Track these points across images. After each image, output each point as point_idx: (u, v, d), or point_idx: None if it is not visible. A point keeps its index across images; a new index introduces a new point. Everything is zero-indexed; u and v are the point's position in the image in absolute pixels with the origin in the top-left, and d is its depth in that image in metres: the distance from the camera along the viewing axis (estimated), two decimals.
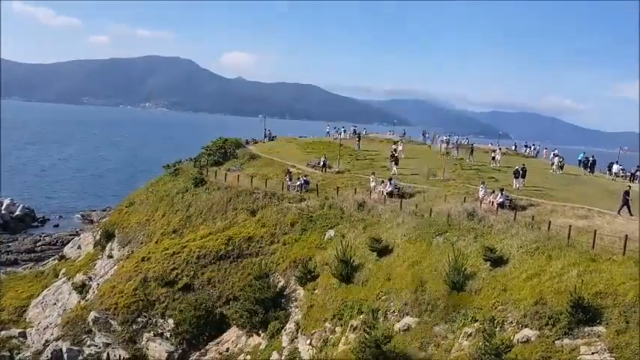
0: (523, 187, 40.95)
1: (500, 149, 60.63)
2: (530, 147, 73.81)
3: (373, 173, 42.53)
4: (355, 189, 40.39)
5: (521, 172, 41.77)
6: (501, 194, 35.95)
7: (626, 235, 25.02)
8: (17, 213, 77.53)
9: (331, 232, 34.30)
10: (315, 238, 34.77)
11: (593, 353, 19.56)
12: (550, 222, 29.68)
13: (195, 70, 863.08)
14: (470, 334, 22.94)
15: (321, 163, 49.49)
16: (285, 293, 32.04)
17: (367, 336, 21.82)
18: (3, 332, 39.60)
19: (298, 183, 42.67)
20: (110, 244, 48.07)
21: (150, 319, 34.91)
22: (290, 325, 29.08)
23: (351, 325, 25.21)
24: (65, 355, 35.64)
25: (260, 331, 30.68)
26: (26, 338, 39.38)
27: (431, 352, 21.68)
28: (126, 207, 52.16)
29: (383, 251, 28.85)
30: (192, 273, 36.02)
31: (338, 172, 48.25)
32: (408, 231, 30.05)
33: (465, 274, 25.90)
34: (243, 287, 33.45)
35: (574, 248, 25.58)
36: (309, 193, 41.06)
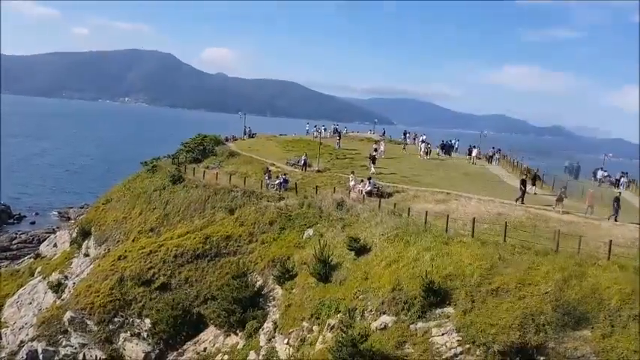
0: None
1: (383, 140, 63.46)
2: (408, 134, 76.78)
3: (352, 172, 42.56)
4: (334, 188, 40.41)
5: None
6: (369, 183, 37.18)
7: (474, 218, 27.19)
8: None
9: (310, 232, 34.30)
10: (293, 237, 34.75)
11: (443, 334, 21.08)
12: (410, 208, 31.77)
13: (176, 64, 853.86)
14: (333, 326, 23.65)
15: (302, 161, 49.38)
16: (263, 292, 32.01)
17: (344, 335, 21.90)
18: None
19: (277, 181, 42.57)
20: (86, 242, 47.55)
21: (126, 318, 34.62)
22: (268, 325, 29.05)
23: (329, 324, 25.24)
24: (41, 356, 35.21)
25: (238, 331, 30.62)
26: (1, 339, 38.90)
27: (407, 350, 21.81)
28: (103, 204, 51.61)
29: (361, 250, 28.88)
30: (169, 272, 35.80)
31: (318, 171, 48.19)
32: (386, 230, 30.15)
33: (331, 264, 26.84)
34: (220, 286, 33.34)
35: (430, 233, 27.29)
36: (288, 192, 41.00)
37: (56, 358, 34.95)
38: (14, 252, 62.59)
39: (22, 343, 36.92)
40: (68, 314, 36.09)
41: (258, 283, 32.67)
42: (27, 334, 37.96)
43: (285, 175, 44.03)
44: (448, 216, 28.39)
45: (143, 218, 44.73)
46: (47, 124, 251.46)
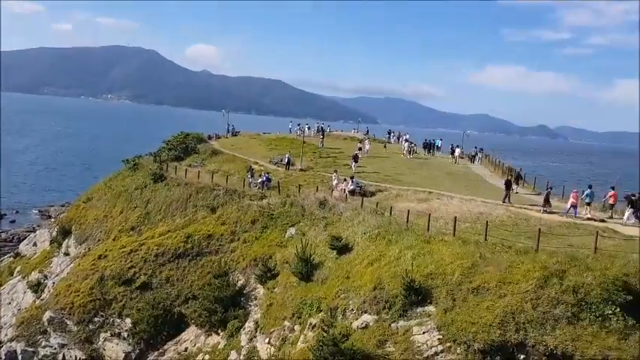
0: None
1: (368, 139, 63.52)
2: (392, 133, 78.45)
3: (335, 171, 42.49)
4: (317, 187, 40.32)
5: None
6: (352, 182, 37.51)
7: (455, 217, 27.20)
8: None
9: (292, 230, 34.16)
10: (275, 236, 34.60)
11: (424, 332, 21.09)
12: (391, 207, 31.98)
13: (160, 61, 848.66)
14: (314, 325, 23.68)
15: (285, 160, 49.23)
16: (244, 292, 31.83)
17: (325, 334, 21.79)
18: None
19: (260, 180, 42.37)
20: (67, 241, 47.00)
21: (107, 318, 34.31)
22: (249, 324, 28.87)
23: (310, 324, 25.12)
24: (20, 357, 34.86)
25: (219, 330, 30.42)
26: None
27: (389, 349, 21.77)
28: (83, 202, 51.05)
29: (343, 249, 28.79)
30: (150, 271, 35.51)
31: (301, 170, 48.08)
32: (368, 229, 30.09)
33: (313, 263, 27.10)
34: (202, 286, 33.12)
35: (412, 232, 27.37)
36: (270, 191, 40.82)
37: (35, 358, 34.55)
38: None
39: (0, 344, 36.40)
40: (47, 314, 35.67)
41: (240, 283, 32.46)
42: (6, 335, 37.46)
43: (267, 173, 43.86)
44: (430, 215, 28.39)
45: (124, 217, 44.26)
46: (28, 121, 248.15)
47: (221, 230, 36.84)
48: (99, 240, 43.71)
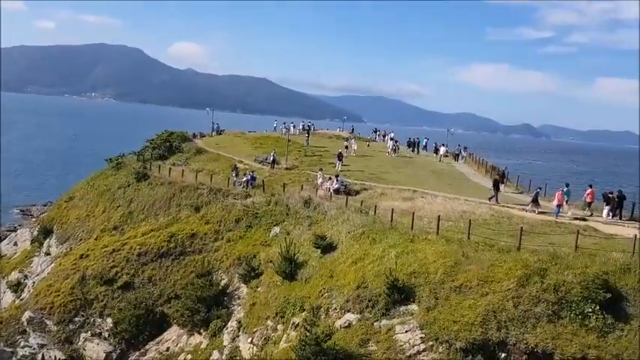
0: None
1: (354, 138, 63.66)
2: (377, 132, 78.75)
3: (321, 169, 42.40)
4: (302, 185, 40.21)
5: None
6: (337, 180, 37.63)
7: (439, 216, 27.30)
8: None
9: (276, 229, 34.04)
10: (260, 235, 34.48)
11: (406, 331, 21.21)
12: (376, 206, 32.15)
13: (144, 59, 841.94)
14: (297, 325, 23.69)
15: (270, 158, 49.04)
16: (228, 291, 31.64)
17: (308, 334, 21.68)
18: None
19: (245, 179, 42.17)
20: (48, 240, 46.45)
21: (87, 318, 33.94)
22: (232, 324, 28.71)
23: (293, 323, 25.05)
24: None
25: (201, 330, 30.19)
26: None
27: (371, 348, 21.76)
28: (65, 202, 50.45)
29: (327, 248, 28.75)
30: (132, 271, 35.20)
31: (286, 169, 47.93)
32: (352, 228, 30.05)
33: (297, 262, 27.14)
34: (185, 285, 32.89)
35: (396, 230, 27.48)
36: (255, 190, 40.63)
37: (14, 358, 34.01)
38: None
39: None
40: (27, 314, 35.21)
41: (223, 282, 32.28)
42: None
43: (252, 172, 43.65)
44: (414, 213, 28.45)
45: (106, 216, 43.82)
46: (9, 120, 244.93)
47: (205, 229, 36.61)
48: (81, 239, 43.22)
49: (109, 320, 33.25)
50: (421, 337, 20.64)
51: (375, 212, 31.64)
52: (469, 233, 25.49)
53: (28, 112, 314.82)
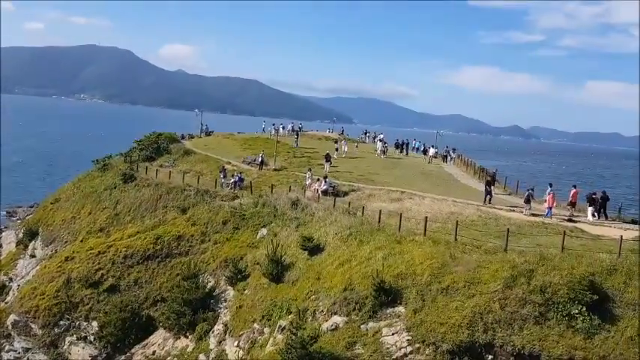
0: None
1: (345, 140, 63.54)
2: (367, 133, 79.35)
3: (310, 170, 42.25)
4: (290, 187, 40.02)
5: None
6: (325, 181, 37.61)
7: (426, 217, 27.23)
8: None
9: (264, 231, 33.78)
10: (247, 237, 34.19)
11: (393, 334, 21.03)
12: (363, 207, 32.13)
13: (134, 61, 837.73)
14: (284, 328, 23.56)
15: (259, 160, 48.83)
16: (214, 294, 31.35)
17: (293, 337, 21.47)
18: None
19: (232, 180, 41.92)
20: (33, 242, 46.01)
21: (73, 321, 33.57)
22: (218, 327, 28.44)
23: (280, 326, 24.81)
24: None
25: (187, 333, 29.88)
26: None
27: (358, 350, 21.59)
28: (51, 203, 50.01)
29: (314, 250, 28.54)
30: (118, 273, 34.86)
31: (275, 170, 47.73)
32: (340, 229, 29.87)
33: (284, 264, 27.07)
34: (171, 288, 32.56)
35: (383, 232, 27.38)
36: (243, 191, 40.39)
37: None
38: None
39: None
40: (11, 318, 34.76)
41: (210, 284, 31.98)
42: None
43: (240, 173, 43.42)
44: (401, 215, 28.33)
45: (92, 218, 43.41)
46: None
47: (191, 231, 36.30)
48: (66, 242, 42.82)
49: (95, 324, 32.88)
50: (408, 340, 20.48)
51: (362, 213, 31.50)
52: (456, 234, 25.41)
53: (16, 113, 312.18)
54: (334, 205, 33.92)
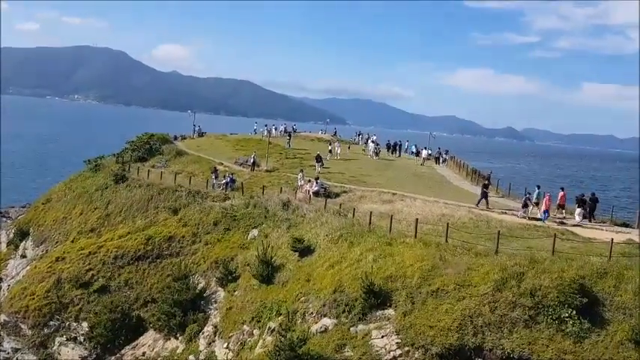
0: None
1: (338, 141, 63.67)
2: (361, 134, 79.49)
3: (302, 170, 42.17)
4: (281, 188, 39.93)
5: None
6: (316, 183, 37.62)
7: (417, 219, 27.20)
8: None
9: (255, 232, 33.68)
10: (238, 238, 34.05)
11: (382, 336, 20.92)
12: (355, 209, 32.12)
13: (128, 62, 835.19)
14: (273, 330, 23.50)
15: (251, 161, 48.74)
16: (205, 295, 31.20)
17: (282, 339, 21.37)
18: None
19: (224, 181, 41.81)
20: (24, 242, 45.79)
21: (63, 322, 33.37)
22: (208, 328, 28.29)
23: (269, 328, 24.67)
24: None
25: (178, 335, 29.72)
26: None
27: (347, 353, 21.52)
28: (42, 204, 49.78)
29: (305, 251, 28.43)
30: (108, 274, 34.66)
31: (267, 171, 47.65)
32: (330, 231, 29.79)
33: (274, 266, 27.01)
34: (161, 289, 32.41)
35: (374, 233, 27.30)
36: (234, 192, 40.27)
37: None
38: None
39: None
40: (1, 318, 34.60)
41: (200, 286, 31.83)
42: None
43: (232, 174, 43.31)
44: (392, 216, 28.30)
45: (84, 218, 43.21)
46: None
47: (182, 232, 36.13)
48: (57, 242, 42.58)
49: (85, 324, 32.69)
50: (397, 343, 20.41)
51: (353, 215, 31.44)
52: (447, 236, 25.38)
53: (9, 113, 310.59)
54: (325, 207, 33.86)
